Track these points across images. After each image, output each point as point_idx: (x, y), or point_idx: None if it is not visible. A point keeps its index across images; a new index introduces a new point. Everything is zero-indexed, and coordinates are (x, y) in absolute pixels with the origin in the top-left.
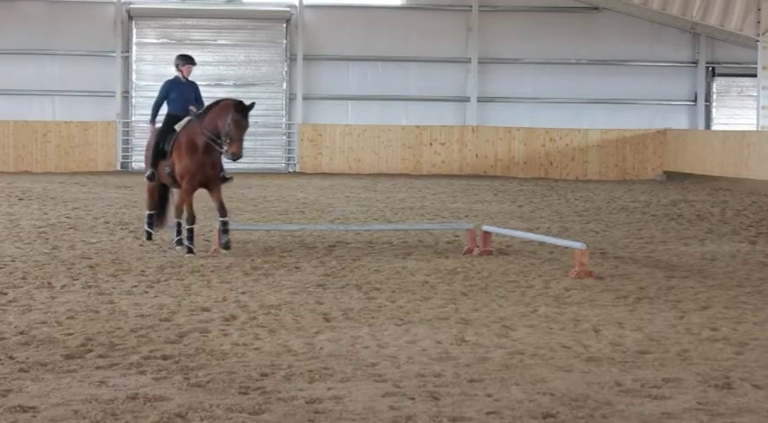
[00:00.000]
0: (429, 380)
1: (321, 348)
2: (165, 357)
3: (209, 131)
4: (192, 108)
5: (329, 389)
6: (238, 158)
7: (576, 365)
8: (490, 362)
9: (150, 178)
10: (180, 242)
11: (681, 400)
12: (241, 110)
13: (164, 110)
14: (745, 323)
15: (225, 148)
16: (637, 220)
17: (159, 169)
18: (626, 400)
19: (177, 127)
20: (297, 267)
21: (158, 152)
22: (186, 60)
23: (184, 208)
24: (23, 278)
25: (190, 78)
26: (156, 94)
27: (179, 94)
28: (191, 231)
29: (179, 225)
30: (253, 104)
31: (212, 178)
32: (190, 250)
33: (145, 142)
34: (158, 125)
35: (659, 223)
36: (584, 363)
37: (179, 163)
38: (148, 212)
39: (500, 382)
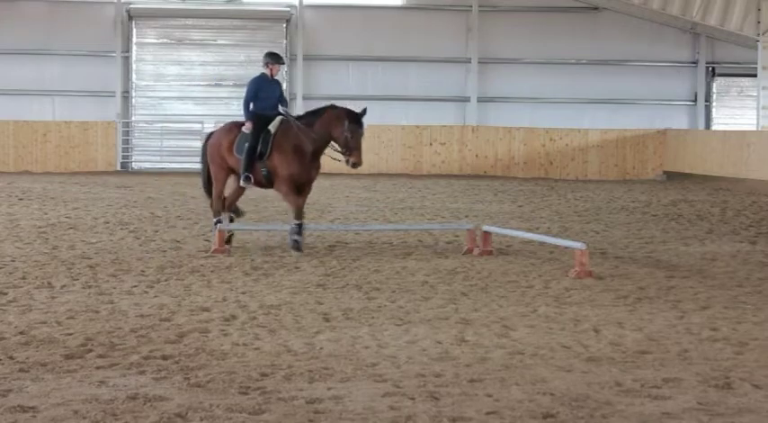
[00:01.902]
0: (429, 380)
1: (321, 348)
2: (164, 357)
3: (320, 138)
4: (282, 108)
5: (329, 389)
6: (359, 166)
7: (576, 365)
8: (490, 362)
9: (247, 181)
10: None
11: (681, 400)
12: (356, 119)
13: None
14: (746, 323)
15: (345, 158)
16: (637, 220)
17: (255, 170)
18: (626, 401)
19: (271, 128)
20: (297, 267)
21: (253, 154)
22: (275, 59)
23: (294, 208)
24: (23, 278)
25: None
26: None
27: (266, 92)
28: (300, 226)
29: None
30: (365, 111)
31: (309, 182)
32: (297, 245)
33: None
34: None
35: (659, 223)
36: (585, 363)
37: (284, 166)
38: (217, 219)
39: (500, 382)
